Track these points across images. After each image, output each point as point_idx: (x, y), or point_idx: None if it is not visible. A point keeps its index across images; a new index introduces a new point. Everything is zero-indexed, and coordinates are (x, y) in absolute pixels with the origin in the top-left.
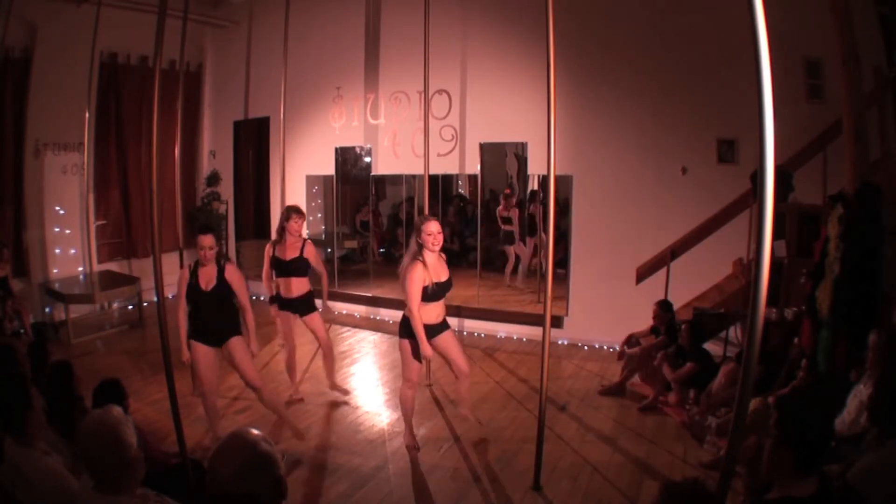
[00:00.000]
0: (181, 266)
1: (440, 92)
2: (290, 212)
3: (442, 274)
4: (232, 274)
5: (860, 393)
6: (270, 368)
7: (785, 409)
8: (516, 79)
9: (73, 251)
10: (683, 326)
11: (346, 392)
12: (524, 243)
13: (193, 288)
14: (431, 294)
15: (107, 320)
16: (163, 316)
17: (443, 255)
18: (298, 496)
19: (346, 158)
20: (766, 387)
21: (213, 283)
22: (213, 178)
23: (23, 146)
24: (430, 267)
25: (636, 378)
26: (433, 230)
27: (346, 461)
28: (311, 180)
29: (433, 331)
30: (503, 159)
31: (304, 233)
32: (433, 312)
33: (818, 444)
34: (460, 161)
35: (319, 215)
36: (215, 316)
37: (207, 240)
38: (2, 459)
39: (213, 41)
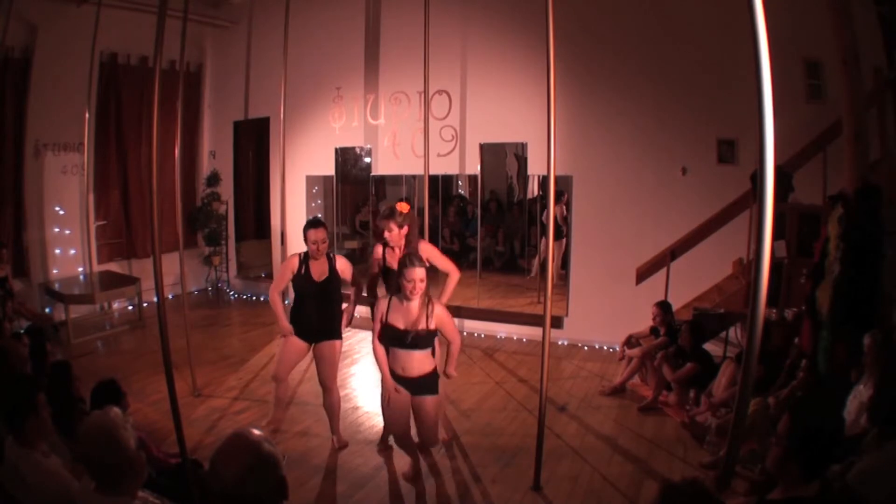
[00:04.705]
0: (181, 265)
1: (440, 92)
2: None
3: (404, 321)
4: (342, 262)
5: (860, 394)
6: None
7: (797, 415)
8: (516, 79)
9: (73, 251)
10: (683, 327)
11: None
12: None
13: (304, 278)
14: (385, 337)
15: (107, 320)
16: (163, 316)
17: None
18: (298, 497)
19: (346, 158)
20: (766, 387)
21: (326, 274)
22: (213, 178)
23: (23, 146)
24: (394, 309)
25: (636, 378)
26: (415, 277)
27: (346, 461)
28: (311, 180)
29: (410, 386)
30: (503, 160)
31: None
32: (396, 362)
33: (829, 449)
34: (460, 161)
35: (319, 215)
36: (319, 308)
37: (319, 233)
38: (2, 460)
39: (213, 41)
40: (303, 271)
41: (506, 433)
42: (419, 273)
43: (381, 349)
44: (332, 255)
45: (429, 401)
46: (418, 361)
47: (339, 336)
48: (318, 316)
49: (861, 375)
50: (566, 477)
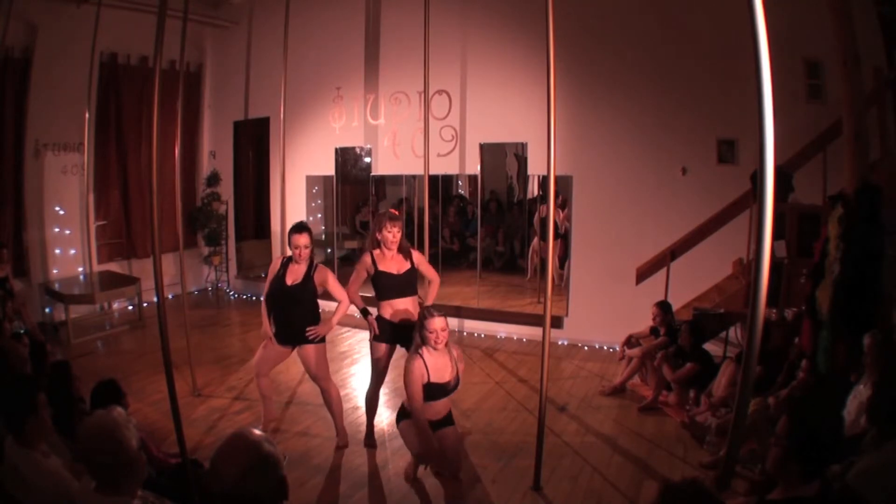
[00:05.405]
0: (181, 265)
1: (440, 92)
2: (383, 219)
3: (445, 373)
4: (326, 275)
5: (860, 394)
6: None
7: (796, 415)
8: (516, 79)
9: (73, 251)
10: (683, 327)
11: None
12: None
13: (279, 281)
14: (430, 394)
15: (107, 320)
16: (163, 316)
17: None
18: (298, 497)
19: (346, 159)
20: (766, 387)
21: (298, 281)
22: (213, 178)
23: (23, 146)
24: (431, 366)
25: (636, 378)
26: (437, 328)
27: (346, 461)
28: (311, 180)
29: (435, 425)
30: (503, 160)
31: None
32: (431, 410)
33: (828, 450)
34: (460, 161)
35: (319, 215)
36: (291, 313)
37: (303, 238)
38: (2, 460)
39: (213, 41)
40: (280, 274)
41: (506, 433)
42: (439, 323)
43: (424, 418)
44: (313, 262)
45: (451, 430)
46: (448, 402)
47: (319, 339)
48: (290, 320)
49: (861, 375)
50: (566, 477)
